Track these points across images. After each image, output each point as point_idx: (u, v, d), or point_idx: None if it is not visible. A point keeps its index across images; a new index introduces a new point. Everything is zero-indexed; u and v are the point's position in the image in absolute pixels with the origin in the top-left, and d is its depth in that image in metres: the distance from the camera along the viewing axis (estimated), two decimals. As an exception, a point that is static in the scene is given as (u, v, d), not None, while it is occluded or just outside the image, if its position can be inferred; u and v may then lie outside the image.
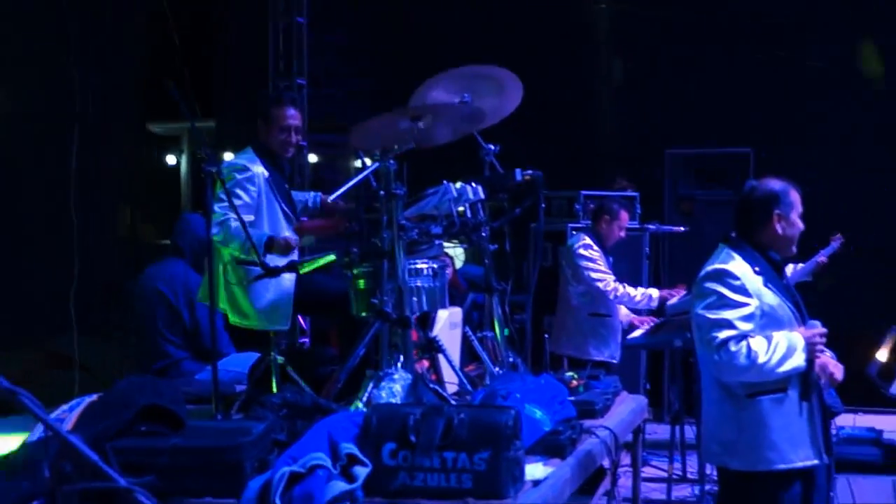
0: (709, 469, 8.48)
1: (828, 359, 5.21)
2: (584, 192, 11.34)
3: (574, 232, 10.24)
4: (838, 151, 12.45)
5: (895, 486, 8.26)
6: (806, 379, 5.12)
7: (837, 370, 5.23)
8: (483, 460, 3.97)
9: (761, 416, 5.08)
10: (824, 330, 5.14)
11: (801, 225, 5.29)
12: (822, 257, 9.68)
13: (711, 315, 5.02)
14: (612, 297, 9.23)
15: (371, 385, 5.07)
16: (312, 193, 6.81)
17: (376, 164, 5.49)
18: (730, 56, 12.95)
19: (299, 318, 11.25)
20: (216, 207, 5.78)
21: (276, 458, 4.11)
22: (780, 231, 5.22)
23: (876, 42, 12.62)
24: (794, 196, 5.28)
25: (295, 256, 5.88)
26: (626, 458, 6.61)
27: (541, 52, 12.94)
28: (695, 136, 12.47)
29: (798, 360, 5.00)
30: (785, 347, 4.97)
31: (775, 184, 5.29)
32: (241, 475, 3.98)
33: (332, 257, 5.63)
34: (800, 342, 5.02)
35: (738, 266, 5.09)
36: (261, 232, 5.89)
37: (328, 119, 13.72)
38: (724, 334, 4.94)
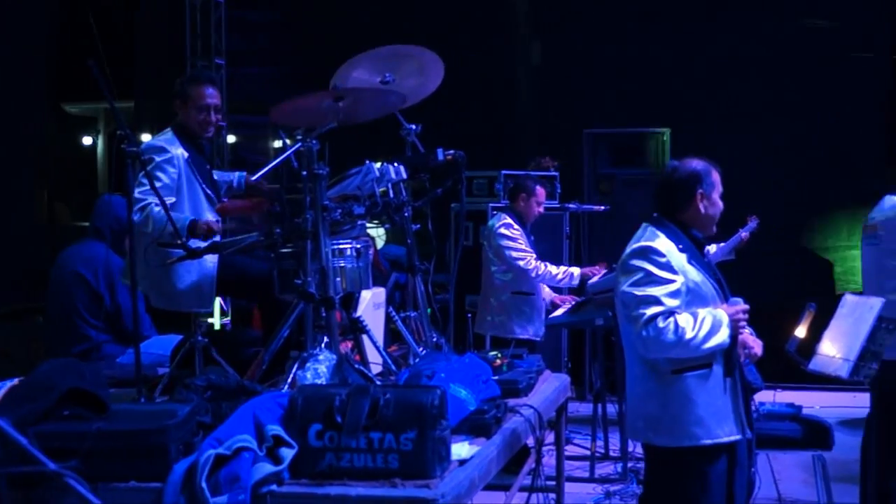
0: (631, 446, 8.59)
1: (748, 335, 5.27)
2: (504, 172, 11.37)
3: (495, 212, 10.25)
4: (754, 129, 12.60)
5: (815, 461, 8.35)
6: (729, 355, 5.17)
7: (757, 346, 5.30)
8: (409, 440, 3.97)
9: (686, 391, 5.11)
10: (746, 307, 5.19)
11: (721, 205, 5.34)
12: (743, 233, 9.80)
13: (638, 292, 5.04)
14: (533, 275, 9.26)
15: (296, 366, 5.04)
16: (237, 173, 6.74)
17: (298, 145, 5.45)
18: (647, 36, 13.05)
19: (220, 299, 11.24)
20: (137, 193, 5.72)
21: (202, 440, 4.09)
22: (702, 210, 5.26)
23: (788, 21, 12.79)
24: (716, 176, 5.32)
25: (217, 238, 5.82)
26: (549, 437, 6.65)
27: (461, 32, 12.98)
28: (613, 115, 12.57)
29: (722, 336, 5.04)
30: (710, 324, 5.01)
31: (697, 164, 5.33)
32: (166, 458, 3.96)
33: (254, 238, 5.59)
34: (724, 318, 5.06)
35: (663, 243, 5.12)
36: (183, 215, 5.83)
37: (248, 99, 13.65)
38: (651, 310, 4.97)
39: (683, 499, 5.20)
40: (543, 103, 13.79)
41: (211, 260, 5.94)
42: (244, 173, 6.72)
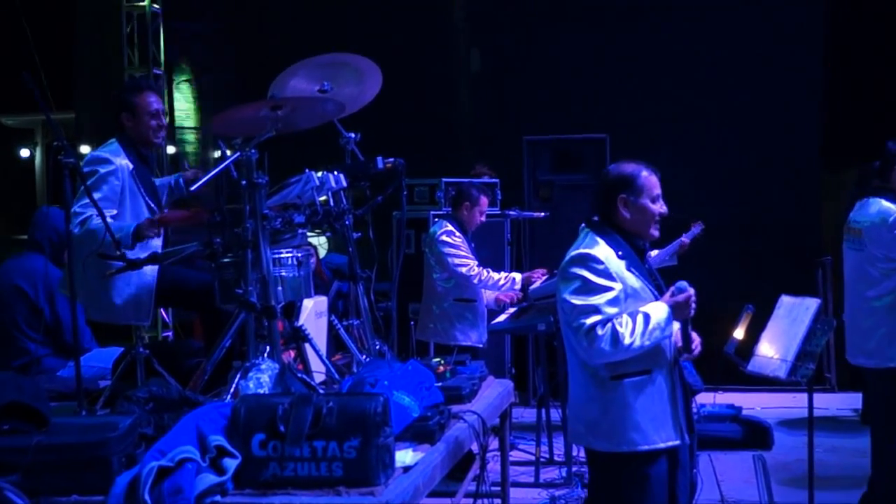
0: (575, 450, 8.61)
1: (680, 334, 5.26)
2: (445, 180, 11.38)
3: (436, 219, 10.26)
4: (694, 133, 12.68)
5: (755, 461, 8.44)
6: (673, 359, 5.19)
7: (695, 342, 5.28)
8: (353, 448, 3.98)
9: (624, 397, 5.10)
10: (692, 292, 5.10)
11: (655, 208, 5.21)
12: (684, 238, 9.87)
13: (577, 300, 5.00)
14: (475, 281, 9.27)
15: (238, 376, 5.03)
16: (175, 175, 6.71)
17: (237, 154, 5.44)
18: (585, 41, 13.10)
19: (162, 310, 11.18)
20: (76, 207, 5.69)
21: (144, 452, 4.08)
22: (627, 215, 5.18)
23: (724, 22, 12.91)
24: (647, 179, 5.21)
25: (157, 248, 5.80)
26: (494, 443, 6.65)
27: (399, 40, 12.98)
28: (552, 122, 12.60)
29: (665, 330, 5.00)
30: (651, 321, 4.92)
31: (627, 167, 5.25)
32: (108, 471, 3.95)
33: (194, 248, 5.57)
34: (663, 310, 5.01)
35: (601, 250, 5.08)
36: (126, 223, 5.80)
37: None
38: (591, 320, 4.93)
39: (623, 502, 5.22)
40: (483, 110, 13.82)
41: (150, 271, 5.90)
42: (181, 175, 6.69)
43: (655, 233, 5.29)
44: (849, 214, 7.30)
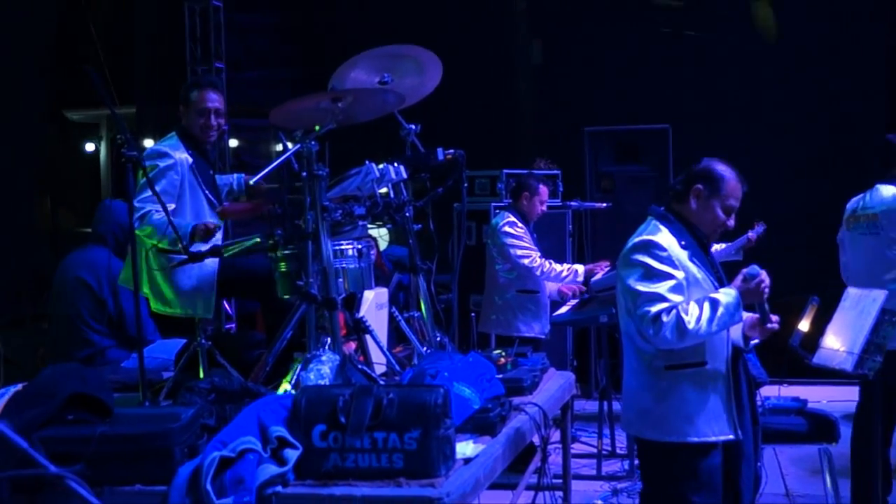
0: (637, 443, 8.56)
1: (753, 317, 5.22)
2: (506, 171, 11.35)
3: (497, 211, 10.25)
4: (757, 124, 12.57)
5: (821, 454, 8.36)
6: (735, 354, 5.16)
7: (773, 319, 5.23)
8: (413, 439, 3.99)
9: (678, 388, 5.07)
10: (764, 274, 5.09)
11: (722, 216, 5.20)
12: (752, 234, 9.78)
13: (642, 287, 4.97)
14: (538, 273, 9.25)
15: (299, 367, 5.04)
16: (236, 175, 6.75)
17: (297, 146, 5.45)
18: (648, 32, 13.02)
19: (225, 303, 11.24)
20: (136, 202, 5.71)
21: (206, 443, 4.10)
22: (693, 206, 5.18)
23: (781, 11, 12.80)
24: (731, 187, 5.19)
25: (218, 241, 5.82)
26: (555, 435, 6.64)
27: (460, 31, 12.96)
28: (614, 113, 12.53)
29: (735, 316, 4.96)
30: (718, 308, 4.87)
31: (720, 165, 5.23)
32: (170, 461, 3.98)
33: (256, 240, 5.59)
34: (731, 295, 4.96)
35: (664, 238, 5.06)
36: (184, 222, 5.83)
37: (248, 103, 13.64)
38: (656, 307, 4.89)
39: (675, 494, 5.16)
40: (544, 102, 13.77)
41: (211, 264, 5.94)
42: (243, 176, 6.73)
43: (713, 237, 5.28)
44: (852, 205, 7.50)
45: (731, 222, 5.27)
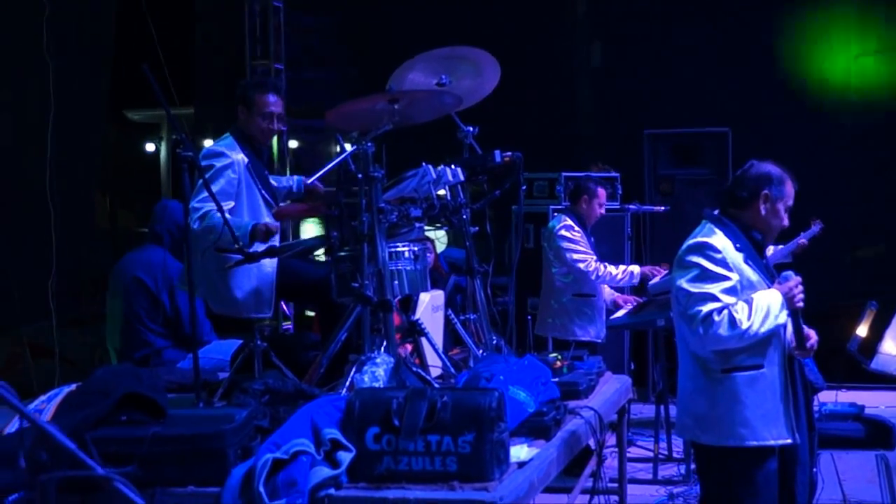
0: (694, 447, 8.49)
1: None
2: (565, 174, 11.32)
3: (555, 213, 10.21)
4: (817, 127, 12.45)
5: (878, 461, 8.25)
6: (789, 357, 5.12)
7: (811, 337, 5.21)
8: (467, 443, 3.96)
9: (734, 391, 5.06)
10: (798, 279, 5.11)
11: (785, 219, 5.25)
12: (802, 239, 9.69)
13: (694, 288, 4.99)
14: (593, 277, 9.23)
15: (353, 369, 5.03)
16: (296, 178, 6.74)
17: (354, 147, 5.44)
18: (706, 35, 12.94)
19: (282, 304, 11.26)
20: (194, 202, 5.72)
21: (259, 444, 4.09)
22: (762, 212, 5.18)
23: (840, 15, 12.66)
24: (789, 189, 5.24)
25: (275, 242, 5.82)
26: (611, 439, 6.60)
27: (519, 33, 12.93)
28: (673, 116, 12.46)
29: (780, 317, 4.98)
30: (765, 307, 4.93)
31: (774, 168, 5.25)
32: (223, 463, 3.97)
33: (312, 242, 5.59)
34: (778, 298, 4.99)
35: (719, 240, 5.07)
36: (243, 220, 5.83)
37: (307, 103, 13.67)
38: (707, 307, 4.91)
39: (732, 499, 5.15)
40: (603, 104, 13.72)
41: (270, 264, 5.94)
42: (302, 178, 6.72)
43: (770, 240, 5.28)
44: None
45: (787, 221, 5.30)
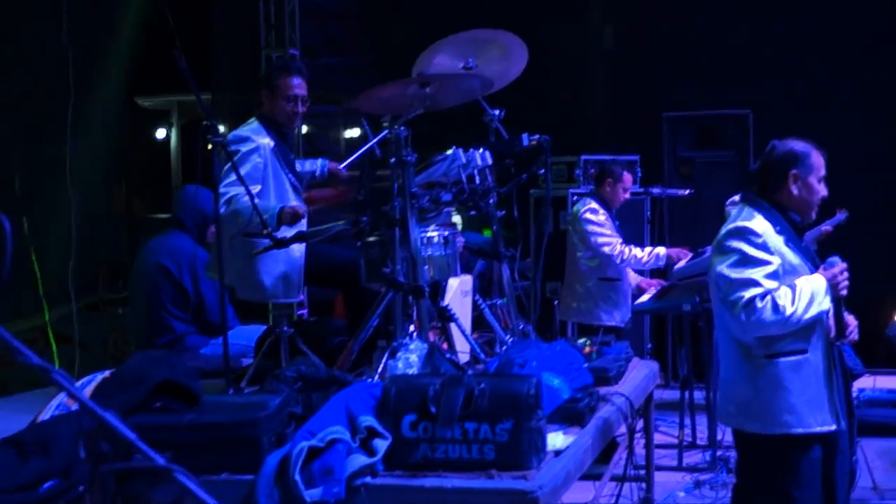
0: (720, 434, 8.43)
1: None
2: (584, 157, 11.26)
3: (576, 197, 10.16)
4: (840, 109, 12.34)
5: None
6: (829, 342, 5.06)
7: (851, 324, 5.15)
8: (505, 431, 3.90)
9: (779, 378, 4.99)
10: (844, 265, 5.05)
11: (821, 190, 5.17)
12: (826, 226, 9.63)
13: (735, 274, 4.92)
14: (618, 260, 9.18)
15: (386, 356, 4.98)
16: (320, 162, 6.71)
17: (385, 132, 5.40)
18: (726, 14, 12.85)
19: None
20: (221, 188, 5.70)
21: (294, 432, 4.06)
22: (794, 192, 5.11)
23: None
24: (816, 159, 5.16)
25: (303, 227, 5.79)
26: (637, 425, 6.54)
27: (535, 16, 12.83)
28: (693, 98, 12.39)
29: (824, 303, 4.92)
30: (809, 292, 4.87)
31: (796, 144, 5.19)
32: (258, 450, 3.94)
33: (341, 226, 5.54)
34: (822, 284, 4.93)
35: (759, 224, 5.00)
36: (271, 204, 5.80)
37: (320, 89, 13.61)
38: (749, 293, 4.85)
39: (775, 487, 5.08)
40: (621, 87, 13.62)
41: (298, 250, 5.92)
42: (326, 161, 6.69)
43: (813, 215, 5.21)
44: None
45: (826, 190, 5.22)
